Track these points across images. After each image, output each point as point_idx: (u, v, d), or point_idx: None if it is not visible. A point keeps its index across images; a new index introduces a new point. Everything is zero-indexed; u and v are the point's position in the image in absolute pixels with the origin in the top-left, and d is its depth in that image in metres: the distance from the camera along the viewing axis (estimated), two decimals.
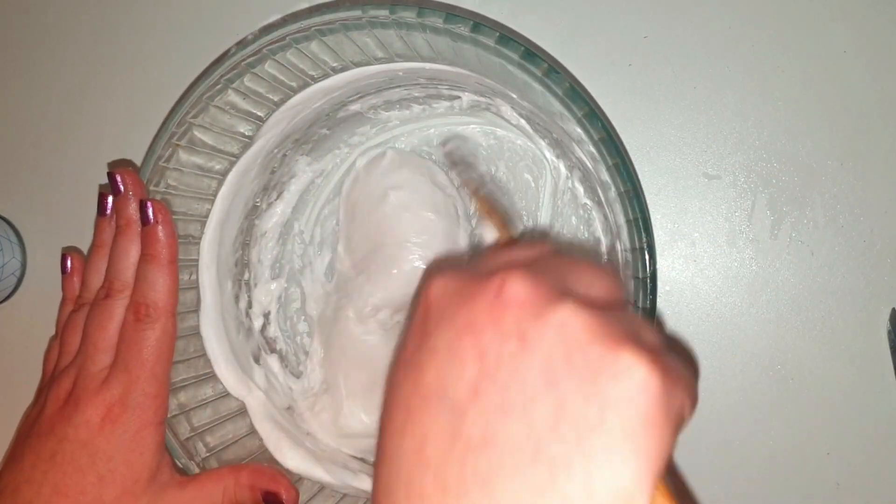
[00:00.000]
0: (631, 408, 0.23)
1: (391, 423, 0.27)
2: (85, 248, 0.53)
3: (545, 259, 0.29)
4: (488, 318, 0.26)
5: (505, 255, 0.30)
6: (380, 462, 0.27)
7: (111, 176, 0.44)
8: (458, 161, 0.50)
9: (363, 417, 0.50)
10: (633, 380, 0.24)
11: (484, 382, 0.25)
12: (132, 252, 0.43)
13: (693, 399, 0.26)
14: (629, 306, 0.31)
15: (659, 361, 0.24)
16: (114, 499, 0.41)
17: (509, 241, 0.45)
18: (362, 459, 0.49)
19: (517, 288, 0.26)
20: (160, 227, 0.43)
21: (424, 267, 0.49)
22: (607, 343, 0.24)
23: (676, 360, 0.26)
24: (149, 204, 0.43)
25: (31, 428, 0.42)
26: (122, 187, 0.43)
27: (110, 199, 0.45)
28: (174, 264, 0.44)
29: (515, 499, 0.23)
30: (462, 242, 0.49)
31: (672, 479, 0.48)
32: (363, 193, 0.51)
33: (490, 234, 0.49)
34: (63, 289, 0.48)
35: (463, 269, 0.29)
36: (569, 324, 0.25)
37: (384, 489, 0.27)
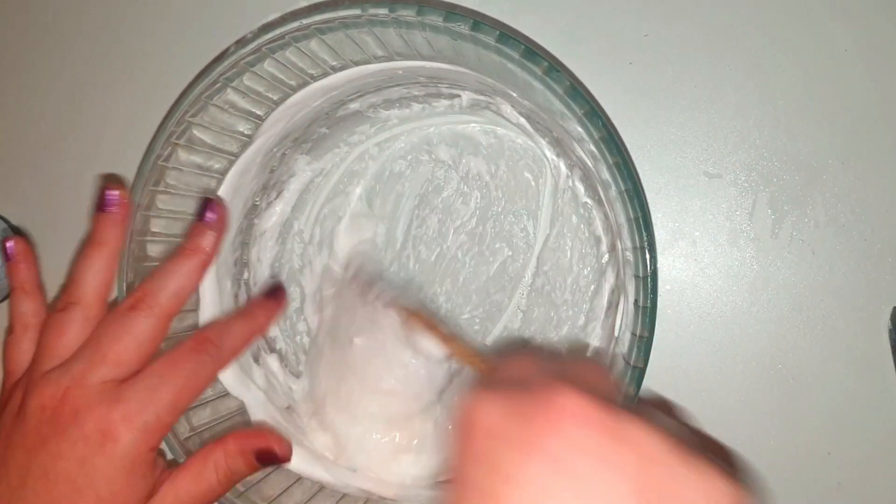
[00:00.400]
0: None
1: None
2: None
3: (558, 365, 0.30)
4: (553, 434, 0.26)
5: (528, 366, 0.31)
6: None
7: (205, 201, 0.42)
8: (371, 279, 0.50)
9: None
10: (716, 492, 0.25)
11: None
12: (184, 279, 0.41)
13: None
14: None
15: (732, 474, 0.26)
16: None
17: (459, 348, 0.45)
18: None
19: (570, 401, 0.26)
20: (276, 304, 0.45)
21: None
22: (684, 458, 0.25)
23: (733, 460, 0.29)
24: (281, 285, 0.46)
25: (12, 438, 0.38)
26: (213, 216, 0.42)
27: (114, 193, 0.42)
28: (255, 337, 0.44)
29: None
30: (440, 377, 0.49)
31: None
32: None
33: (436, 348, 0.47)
34: (13, 277, 0.44)
35: (500, 389, 0.29)
36: (641, 439, 0.26)
37: None
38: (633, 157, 0.49)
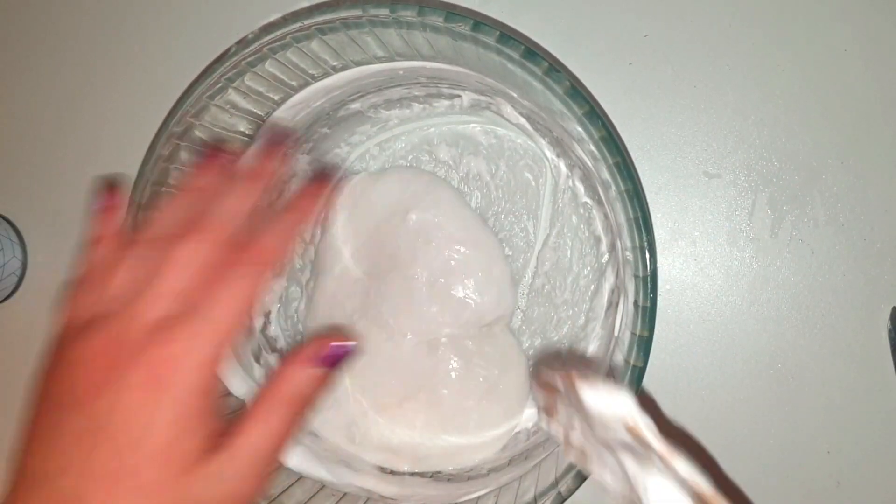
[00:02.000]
0: None
1: None
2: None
3: None
4: None
5: None
6: None
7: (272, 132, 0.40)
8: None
9: (392, 431, 0.49)
10: None
11: None
12: (239, 200, 0.36)
13: None
14: None
15: None
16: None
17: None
18: (381, 468, 0.49)
19: None
20: (320, 189, 0.41)
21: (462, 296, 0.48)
22: None
23: None
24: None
25: (58, 389, 0.34)
26: (272, 145, 0.40)
27: (223, 155, 0.39)
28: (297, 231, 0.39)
29: None
30: (504, 277, 0.49)
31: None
32: (368, 200, 0.50)
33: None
34: (97, 225, 0.39)
35: None
36: None
37: None
38: (633, 157, 0.49)
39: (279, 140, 0.40)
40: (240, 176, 0.37)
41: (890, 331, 0.47)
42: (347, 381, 0.50)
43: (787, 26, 0.48)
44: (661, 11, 0.49)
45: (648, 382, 0.49)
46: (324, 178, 0.43)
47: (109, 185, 0.41)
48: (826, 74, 0.48)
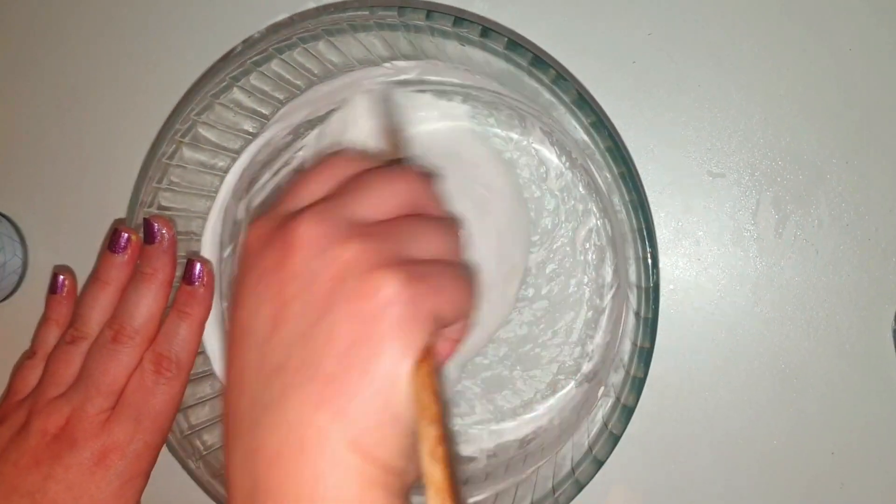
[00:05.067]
0: (383, 318, 0.29)
1: (226, 354, 0.33)
2: (86, 244, 0.54)
3: (341, 189, 0.34)
4: (280, 261, 0.31)
5: (305, 193, 0.34)
6: (225, 388, 0.33)
7: (148, 223, 0.45)
8: None
9: None
10: (381, 295, 0.29)
11: (278, 318, 0.30)
12: (150, 301, 0.45)
13: (454, 304, 0.31)
14: (424, 198, 0.34)
15: (407, 275, 0.30)
16: None
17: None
18: None
19: (305, 231, 0.31)
20: (203, 290, 0.45)
21: None
22: (368, 268, 0.30)
23: (442, 272, 0.32)
24: (198, 264, 0.45)
25: (6, 454, 0.43)
26: (158, 237, 0.45)
27: (126, 236, 0.46)
28: (204, 326, 0.46)
29: (299, 412, 0.29)
30: None
31: None
32: None
33: None
34: (48, 309, 0.49)
35: (272, 215, 0.33)
36: (342, 257, 0.30)
37: (226, 412, 0.32)
38: (636, 157, 0.49)
39: (169, 238, 0.46)
40: (149, 281, 0.45)
41: (894, 331, 0.48)
42: None
43: (791, 25, 0.48)
44: (665, 10, 0.49)
45: (651, 382, 0.49)
46: (205, 281, 0.46)
47: (65, 274, 0.50)
48: (830, 74, 0.48)
